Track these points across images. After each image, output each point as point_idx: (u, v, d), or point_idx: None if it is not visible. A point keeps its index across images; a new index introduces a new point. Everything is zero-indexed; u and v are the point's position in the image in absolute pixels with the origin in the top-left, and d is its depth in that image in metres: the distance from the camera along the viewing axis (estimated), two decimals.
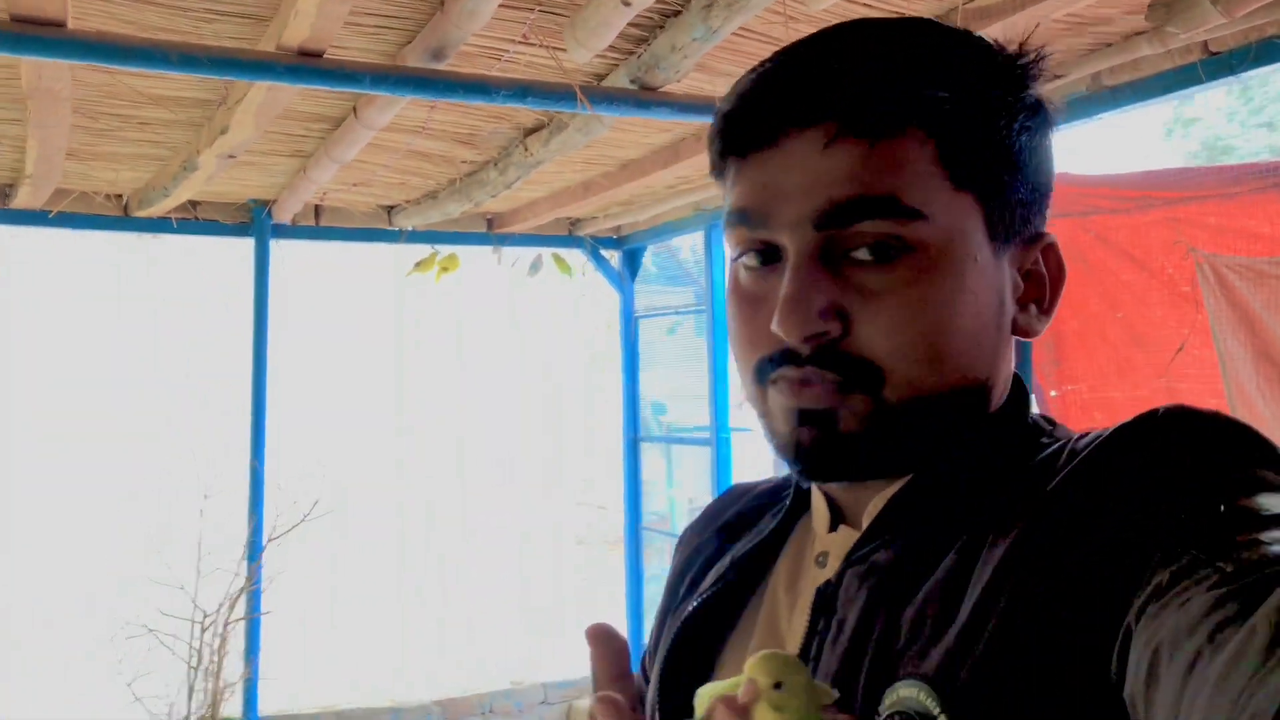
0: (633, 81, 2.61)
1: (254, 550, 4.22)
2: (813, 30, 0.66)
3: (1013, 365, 0.69)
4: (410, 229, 4.64)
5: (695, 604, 0.74)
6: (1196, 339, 2.62)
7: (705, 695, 0.54)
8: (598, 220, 4.83)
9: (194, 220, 4.34)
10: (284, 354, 4.44)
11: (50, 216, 4.05)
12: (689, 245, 5.33)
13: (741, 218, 0.64)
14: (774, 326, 0.61)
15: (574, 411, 6.74)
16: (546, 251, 5.07)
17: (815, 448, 0.63)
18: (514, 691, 5.16)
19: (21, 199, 3.88)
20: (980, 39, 0.67)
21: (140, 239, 4.91)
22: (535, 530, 6.44)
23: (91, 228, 4.28)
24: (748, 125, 0.63)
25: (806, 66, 0.62)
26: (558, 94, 2.58)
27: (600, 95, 2.59)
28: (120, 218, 4.22)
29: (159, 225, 4.32)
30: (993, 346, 0.64)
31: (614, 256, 5.19)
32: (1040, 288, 0.67)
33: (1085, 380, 3.17)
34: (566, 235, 5.01)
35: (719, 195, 3.30)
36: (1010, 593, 0.55)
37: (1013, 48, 0.66)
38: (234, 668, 3.99)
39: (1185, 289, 2.70)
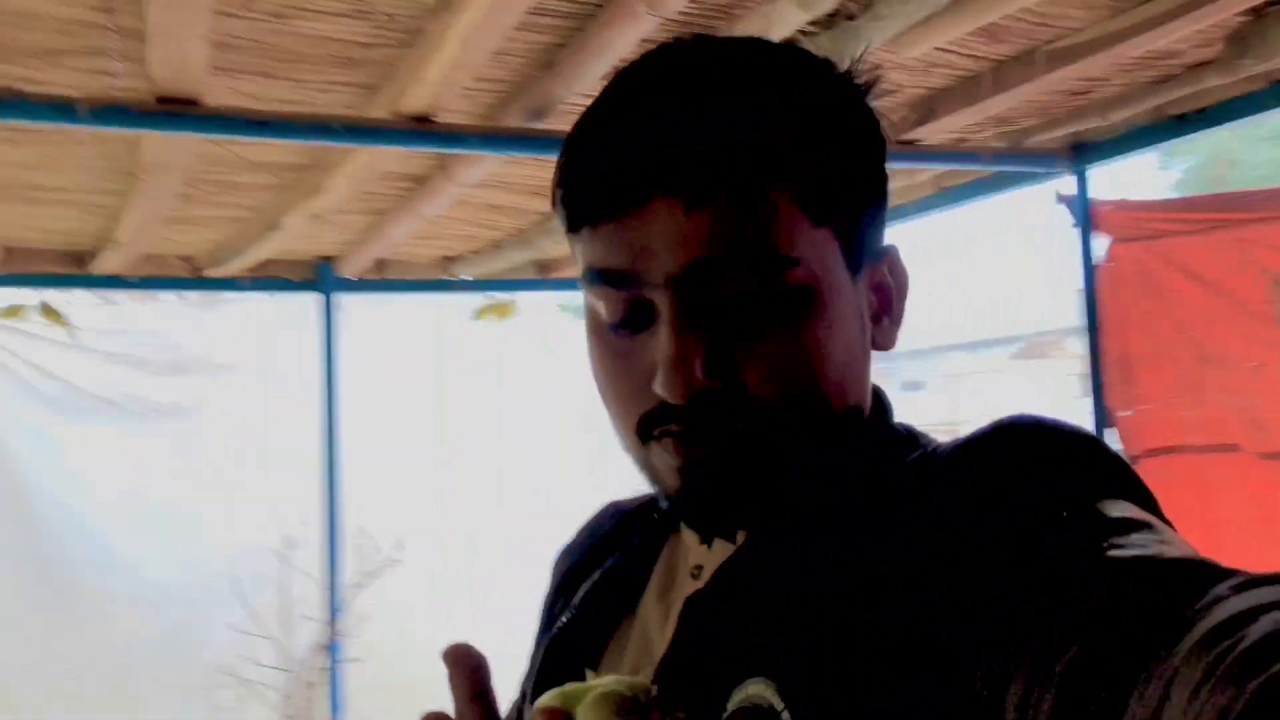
0: None
1: (333, 598, 4.31)
2: None
3: (870, 380, 0.69)
4: (469, 279, 4.76)
5: (564, 620, 0.74)
6: (1275, 357, 2.71)
7: (549, 697, 0.55)
8: None
9: (264, 279, 4.46)
10: (349, 402, 4.55)
11: (130, 280, 4.18)
12: None
13: (607, 278, 0.62)
14: (657, 388, 0.60)
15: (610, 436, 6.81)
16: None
17: (709, 503, 0.64)
18: None
19: (102, 264, 4.00)
20: (817, 60, 0.66)
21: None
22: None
23: (164, 288, 4.41)
24: (605, 195, 0.61)
25: (659, 131, 0.60)
26: None
27: None
28: (191, 279, 4.35)
29: (228, 284, 4.44)
30: (862, 369, 0.66)
31: None
32: (888, 300, 0.68)
33: (1156, 400, 3.25)
34: None
35: None
36: (867, 606, 0.56)
37: (846, 65, 0.67)
38: (323, 715, 4.06)
39: (1258, 308, 2.80)
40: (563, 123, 2.69)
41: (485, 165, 2.93)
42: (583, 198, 0.62)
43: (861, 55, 0.67)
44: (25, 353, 4.55)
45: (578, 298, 4.51)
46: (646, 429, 0.63)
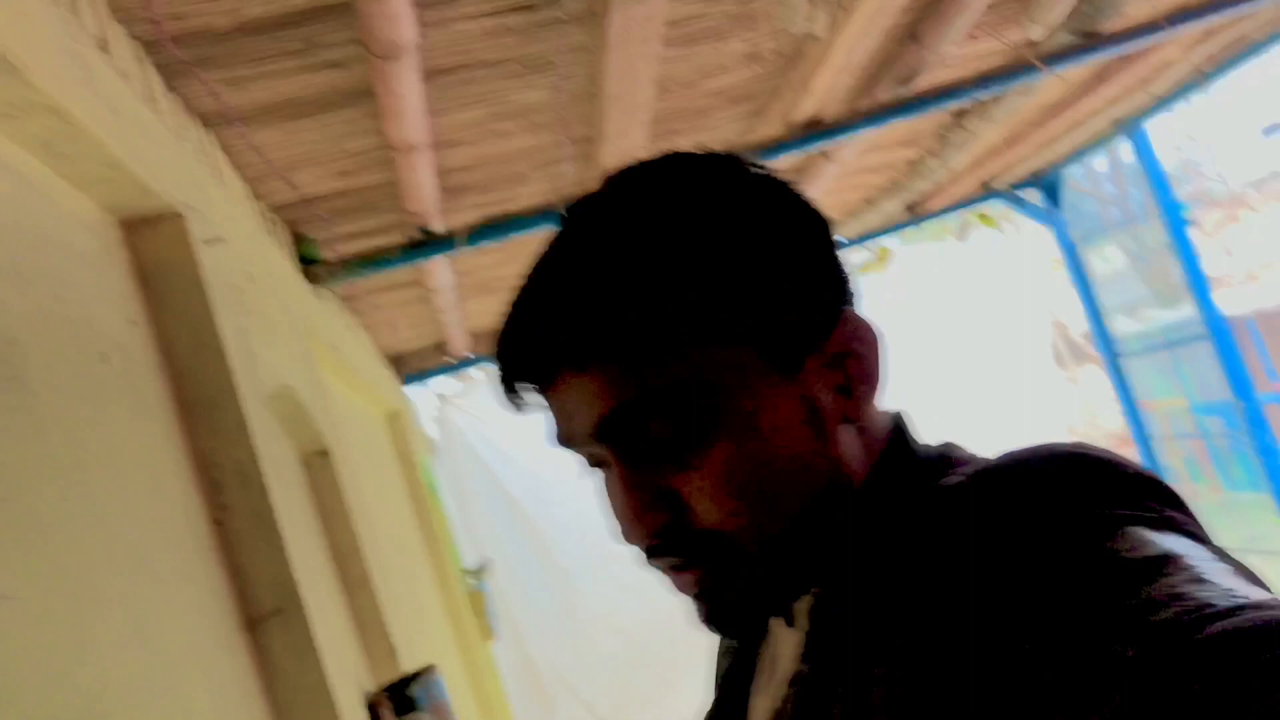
0: (1073, 33, 2.83)
1: None
2: None
3: (870, 436, 0.68)
4: (844, 241, 5.04)
5: (709, 710, 0.80)
6: None
7: None
8: (1013, 169, 4.98)
9: None
10: None
11: None
12: (1108, 162, 5.31)
13: (558, 441, 0.67)
14: (620, 537, 0.65)
15: (1023, 357, 6.82)
16: (968, 214, 5.28)
17: (714, 619, 0.67)
18: None
19: None
20: (726, 169, 0.68)
21: None
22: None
23: None
24: (518, 379, 0.66)
25: (555, 318, 0.63)
26: (1010, 73, 2.85)
27: (1051, 56, 2.83)
28: None
29: None
30: (822, 458, 0.64)
31: (1034, 196, 5.29)
32: (859, 366, 0.66)
33: None
34: (983, 195, 5.20)
35: (1140, 105, 3.48)
36: (919, 660, 0.56)
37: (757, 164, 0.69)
38: None
39: None
40: (934, 78, 2.91)
41: (862, 138, 3.20)
42: (505, 382, 0.67)
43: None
44: None
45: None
46: (648, 561, 0.67)
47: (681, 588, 0.66)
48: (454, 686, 2.58)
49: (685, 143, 2.81)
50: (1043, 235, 5.46)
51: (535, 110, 2.29)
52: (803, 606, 0.67)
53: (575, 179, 2.74)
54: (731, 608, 0.66)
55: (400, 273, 3.01)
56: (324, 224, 2.56)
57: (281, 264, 2.34)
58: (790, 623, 0.69)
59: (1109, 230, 5.81)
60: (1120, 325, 5.68)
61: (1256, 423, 4.77)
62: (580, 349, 0.62)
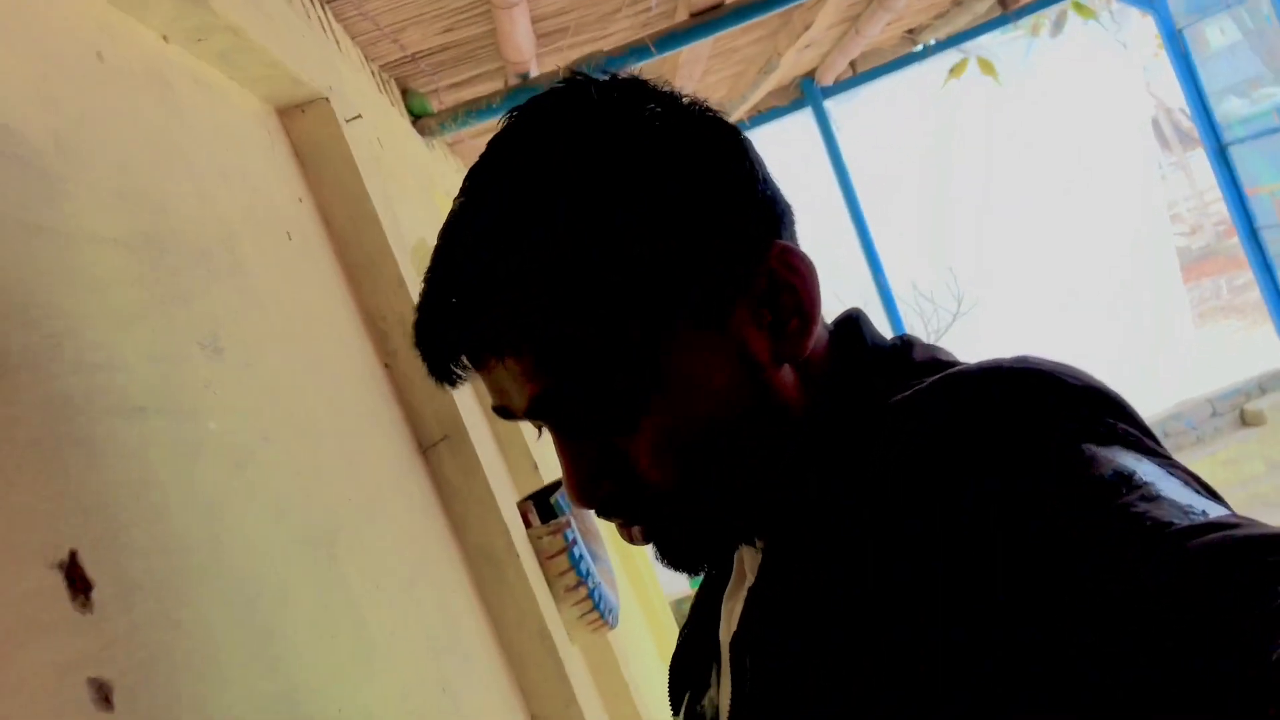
0: None
1: None
2: None
3: (815, 366, 0.65)
4: (934, 41, 4.95)
5: (679, 640, 0.80)
6: None
7: None
8: None
9: (757, 114, 5.03)
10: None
11: None
12: None
13: (497, 412, 0.65)
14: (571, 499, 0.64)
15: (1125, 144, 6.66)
16: (1063, 6, 5.10)
17: (673, 563, 0.66)
18: (1180, 414, 5.41)
19: None
20: (625, 108, 0.62)
21: None
22: None
23: None
24: (444, 366, 0.63)
25: (463, 313, 0.60)
26: None
27: None
28: None
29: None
30: (763, 405, 0.62)
31: None
32: (791, 299, 0.62)
33: None
34: None
35: None
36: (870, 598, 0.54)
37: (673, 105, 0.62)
38: None
39: None
40: None
41: None
42: (439, 373, 0.64)
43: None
44: None
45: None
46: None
47: (633, 540, 0.65)
48: None
49: None
50: (1144, 21, 5.25)
51: None
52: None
53: (662, 12, 2.81)
54: (685, 554, 0.65)
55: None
56: (429, 78, 2.70)
57: (399, 123, 2.51)
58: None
59: (1222, 3, 5.52)
60: (1232, 107, 5.48)
61: None
62: (494, 342, 0.60)
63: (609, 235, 0.58)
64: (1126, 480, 0.50)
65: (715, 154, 0.62)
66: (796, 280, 0.61)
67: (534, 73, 2.81)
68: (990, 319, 5.02)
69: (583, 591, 1.83)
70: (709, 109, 0.63)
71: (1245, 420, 5.44)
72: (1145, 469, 0.51)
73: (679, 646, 0.79)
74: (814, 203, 5.25)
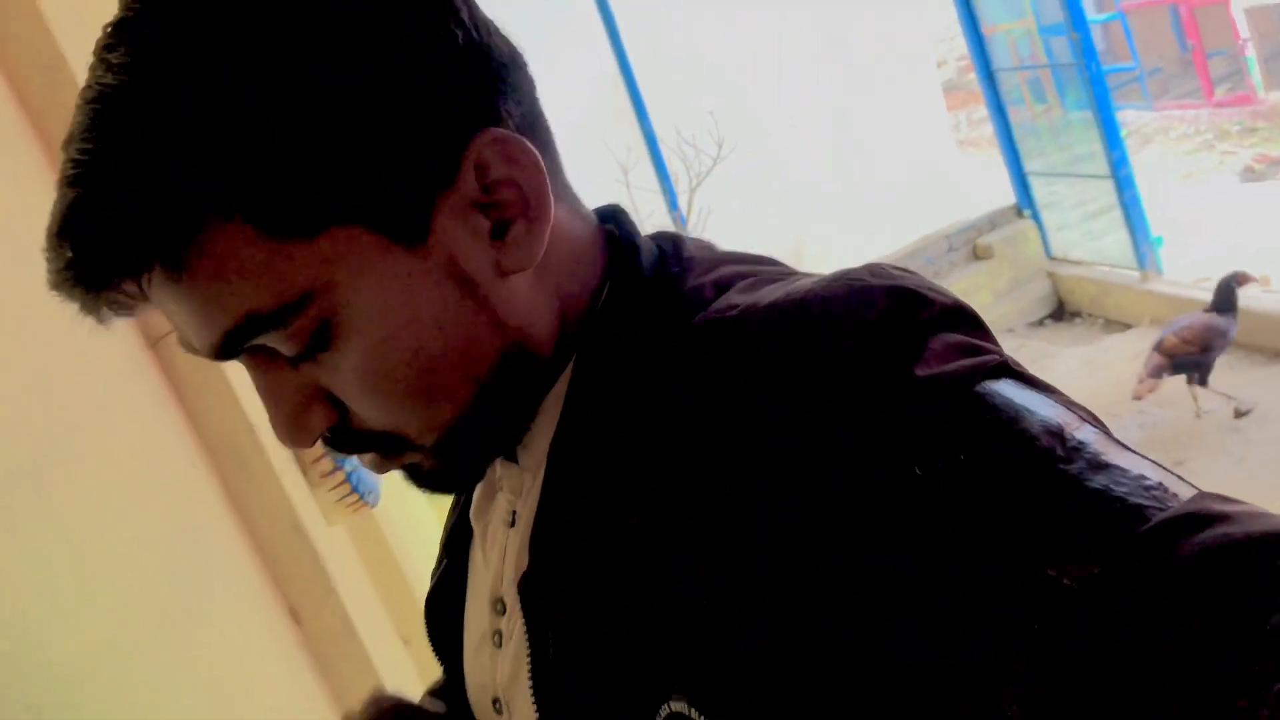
0: None
1: (671, 202, 4.98)
2: None
3: (561, 272, 0.56)
4: None
5: (431, 586, 0.71)
6: None
7: None
8: None
9: None
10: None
11: None
12: None
13: (182, 346, 0.53)
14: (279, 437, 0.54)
15: None
16: None
17: (421, 485, 0.58)
18: (923, 249, 5.77)
19: None
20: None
21: None
22: None
23: None
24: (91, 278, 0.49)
25: (98, 234, 0.47)
26: None
27: None
28: None
29: None
30: (487, 328, 0.53)
31: None
32: (510, 195, 0.52)
33: None
34: None
35: None
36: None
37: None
38: None
39: None
40: None
41: None
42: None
43: None
44: None
45: None
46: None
47: (370, 467, 0.56)
48: None
49: None
50: None
51: None
52: (532, 458, 0.58)
53: None
54: (427, 479, 0.57)
55: None
56: None
57: None
58: (515, 459, 0.60)
59: None
60: None
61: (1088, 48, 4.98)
62: (139, 267, 0.47)
63: (264, 146, 0.46)
64: (1060, 440, 0.44)
65: (393, 24, 0.48)
66: (517, 172, 0.51)
67: None
68: (751, 164, 5.11)
69: (340, 475, 1.78)
70: None
71: (977, 254, 5.87)
72: (1061, 416, 0.46)
73: (437, 583, 0.70)
74: (573, 39, 5.10)
